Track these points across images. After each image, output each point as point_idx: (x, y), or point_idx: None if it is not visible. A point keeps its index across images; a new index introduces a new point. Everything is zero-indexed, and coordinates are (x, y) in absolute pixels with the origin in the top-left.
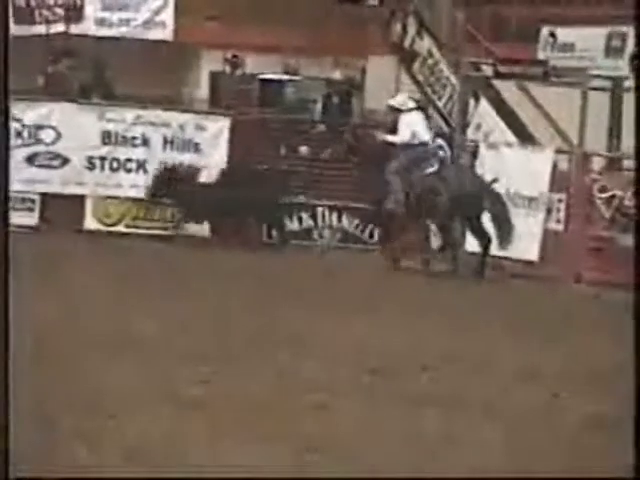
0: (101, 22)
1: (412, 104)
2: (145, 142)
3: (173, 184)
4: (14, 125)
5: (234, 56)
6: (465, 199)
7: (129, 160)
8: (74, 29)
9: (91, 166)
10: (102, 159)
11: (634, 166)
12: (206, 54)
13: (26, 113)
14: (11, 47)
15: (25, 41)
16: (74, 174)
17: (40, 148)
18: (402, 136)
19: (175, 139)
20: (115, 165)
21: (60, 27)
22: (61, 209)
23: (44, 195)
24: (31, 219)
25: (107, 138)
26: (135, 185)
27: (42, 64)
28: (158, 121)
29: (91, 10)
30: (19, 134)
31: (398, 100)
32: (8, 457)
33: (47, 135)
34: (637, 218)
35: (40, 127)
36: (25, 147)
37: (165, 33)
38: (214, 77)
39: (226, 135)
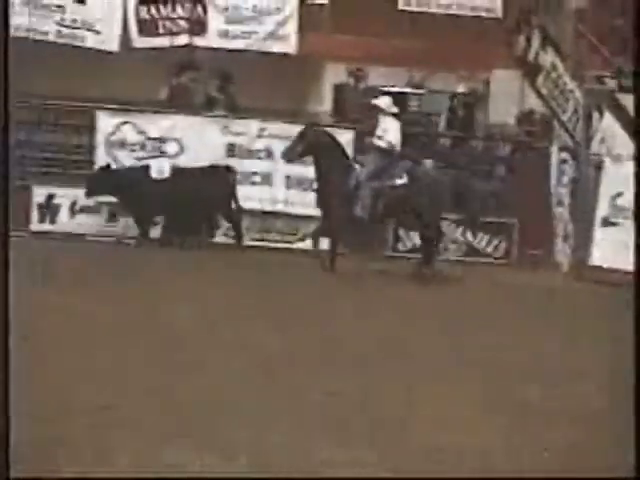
0: (225, 34)
1: (395, 109)
2: (269, 155)
3: (115, 183)
4: (138, 137)
5: (358, 69)
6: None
7: (253, 173)
8: (198, 41)
9: None
10: None
11: (634, 166)
12: (330, 67)
13: (150, 126)
14: (135, 59)
15: (148, 53)
16: None
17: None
18: (388, 140)
19: None
20: (240, 178)
21: (184, 39)
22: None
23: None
24: (155, 231)
25: (231, 151)
26: (260, 198)
27: (165, 76)
28: (282, 134)
29: (215, 22)
30: (143, 147)
31: (384, 101)
32: (8, 457)
33: (171, 148)
34: (637, 218)
35: (164, 140)
36: (150, 160)
37: (289, 46)
38: (338, 90)
39: (350, 148)
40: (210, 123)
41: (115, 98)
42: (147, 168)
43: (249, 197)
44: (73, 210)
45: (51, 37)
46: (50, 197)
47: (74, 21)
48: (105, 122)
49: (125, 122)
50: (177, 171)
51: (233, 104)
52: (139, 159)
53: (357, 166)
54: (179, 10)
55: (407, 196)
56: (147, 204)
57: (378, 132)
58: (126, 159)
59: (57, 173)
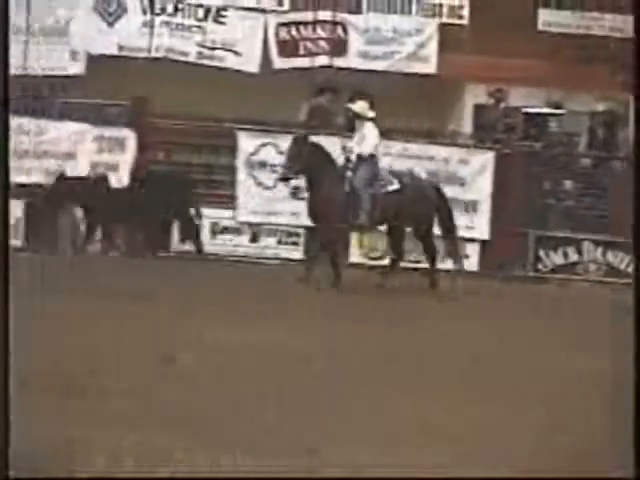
0: (365, 55)
1: (372, 114)
2: None
3: (72, 190)
4: (279, 158)
5: (497, 89)
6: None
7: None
8: (338, 62)
9: None
10: None
11: (634, 166)
12: (469, 87)
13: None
14: (275, 80)
15: (289, 74)
16: None
17: (302, 182)
18: (368, 146)
19: (439, 172)
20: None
21: (324, 60)
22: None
23: (308, 229)
24: (296, 252)
25: None
26: None
27: (305, 97)
28: (423, 154)
29: (355, 44)
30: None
31: (360, 105)
32: (8, 457)
33: None
34: (637, 218)
35: None
36: (288, 180)
37: (429, 66)
38: (478, 110)
39: (490, 169)
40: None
41: (256, 119)
42: (105, 178)
43: None
44: (214, 230)
45: (191, 58)
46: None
47: (214, 42)
48: (246, 143)
49: (266, 143)
50: (136, 180)
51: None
52: (278, 180)
53: (349, 174)
54: (320, 31)
55: (401, 202)
56: (107, 213)
57: (356, 138)
58: (267, 180)
59: (199, 193)
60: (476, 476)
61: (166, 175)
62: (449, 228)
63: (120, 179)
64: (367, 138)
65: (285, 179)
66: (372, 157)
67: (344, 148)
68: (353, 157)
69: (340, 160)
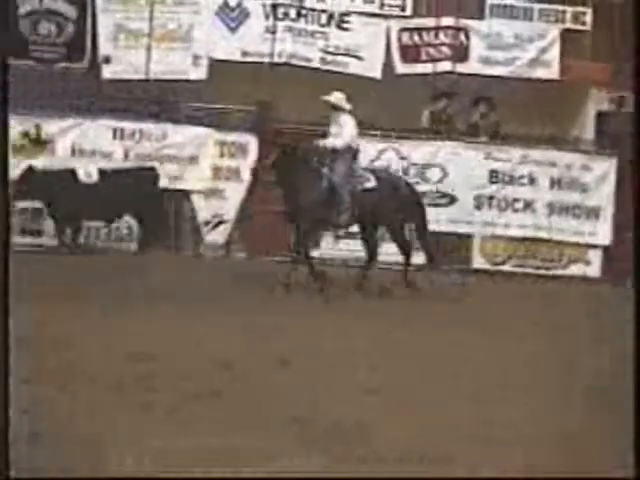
0: (486, 61)
1: (348, 106)
2: (532, 181)
3: (41, 186)
4: (401, 163)
5: (620, 96)
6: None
7: (516, 200)
8: (459, 68)
9: (479, 205)
10: (490, 198)
11: (634, 166)
12: (592, 93)
13: (412, 152)
14: (397, 85)
15: (410, 79)
16: (462, 213)
17: (427, 187)
18: (345, 138)
19: (562, 179)
20: (503, 204)
21: (446, 66)
22: (448, 247)
23: (433, 234)
24: (419, 257)
25: (494, 177)
26: (523, 225)
27: (426, 103)
28: (544, 160)
29: (477, 49)
30: (406, 172)
31: (336, 97)
32: (8, 457)
33: (433, 174)
34: (637, 218)
35: (427, 166)
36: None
37: (551, 72)
38: (600, 117)
39: (612, 176)
40: (472, 149)
41: (377, 124)
42: (74, 172)
43: (511, 224)
44: (336, 235)
45: (314, 63)
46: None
47: (337, 47)
48: (368, 148)
49: (387, 148)
50: (104, 174)
51: (495, 130)
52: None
53: (325, 170)
54: (442, 37)
55: (379, 200)
56: (74, 208)
57: (332, 130)
58: None
59: None
60: (476, 476)
61: (132, 170)
62: (423, 226)
63: (240, 183)
64: (344, 130)
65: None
66: (349, 149)
67: (317, 144)
68: (328, 152)
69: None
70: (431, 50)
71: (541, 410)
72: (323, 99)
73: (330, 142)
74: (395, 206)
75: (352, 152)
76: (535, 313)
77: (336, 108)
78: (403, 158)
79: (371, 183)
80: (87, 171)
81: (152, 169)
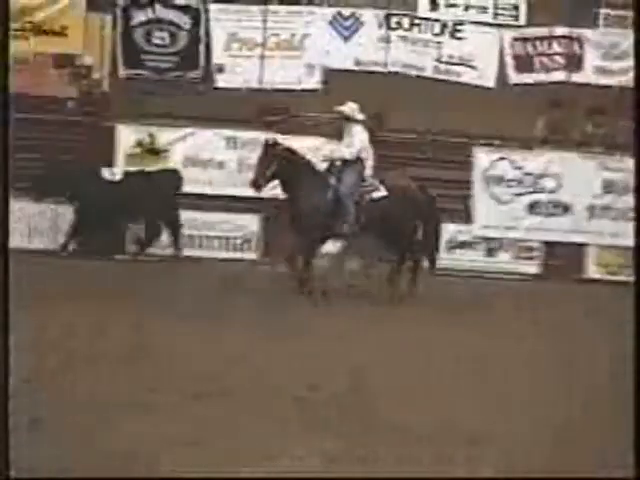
0: (600, 70)
1: (361, 116)
2: None
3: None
4: (515, 173)
5: None
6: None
7: (630, 209)
8: (573, 77)
9: (592, 215)
10: (603, 208)
11: (634, 165)
12: None
13: (526, 162)
14: (511, 94)
15: (524, 89)
16: (576, 223)
17: (541, 196)
18: (355, 148)
19: None
20: (614, 214)
21: (560, 75)
22: (563, 257)
23: (547, 244)
24: (532, 267)
25: (608, 187)
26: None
27: (540, 112)
28: None
29: (591, 58)
30: (520, 182)
31: (349, 107)
32: (8, 457)
33: (548, 183)
34: (637, 218)
35: (541, 175)
36: (527, 195)
37: None
38: None
39: None
40: (587, 159)
41: (491, 134)
42: (98, 170)
43: (625, 233)
44: (450, 245)
45: (428, 73)
46: None
47: (451, 57)
48: (482, 158)
49: (501, 158)
50: (127, 175)
51: (609, 140)
52: (517, 195)
53: (332, 180)
54: (555, 46)
55: (388, 209)
56: (97, 207)
57: (345, 141)
58: (504, 195)
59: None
60: (475, 476)
61: (152, 175)
62: (435, 230)
63: None
64: (354, 140)
65: (256, 186)
66: (358, 161)
67: (326, 154)
68: (338, 162)
69: (322, 165)
70: (545, 60)
71: None
72: (336, 109)
73: (340, 152)
74: (408, 214)
75: (362, 162)
76: None
77: (349, 119)
78: (518, 168)
79: (380, 192)
80: (111, 170)
81: (175, 171)
